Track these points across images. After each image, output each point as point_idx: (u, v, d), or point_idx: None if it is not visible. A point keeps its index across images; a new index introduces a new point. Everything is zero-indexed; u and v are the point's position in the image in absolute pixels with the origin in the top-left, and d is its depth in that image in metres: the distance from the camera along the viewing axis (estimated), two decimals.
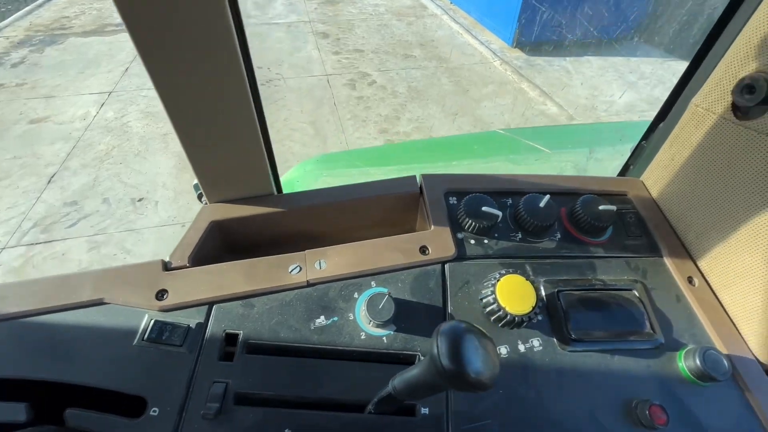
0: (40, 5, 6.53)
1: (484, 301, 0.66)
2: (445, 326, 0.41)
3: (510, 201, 0.82)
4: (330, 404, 0.60)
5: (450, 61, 5.56)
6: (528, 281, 0.65)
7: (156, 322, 0.62)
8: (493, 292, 0.65)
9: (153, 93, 0.61)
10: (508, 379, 0.64)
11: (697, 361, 0.64)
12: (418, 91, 4.84)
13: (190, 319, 0.64)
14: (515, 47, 5.72)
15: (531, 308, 0.63)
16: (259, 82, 0.68)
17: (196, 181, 0.83)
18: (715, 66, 0.72)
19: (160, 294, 0.66)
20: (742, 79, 0.65)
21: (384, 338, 0.65)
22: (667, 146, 0.82)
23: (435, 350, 0.39)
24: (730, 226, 0.71)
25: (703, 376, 0.64)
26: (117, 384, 0.58)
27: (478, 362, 0.38)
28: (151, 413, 0.57)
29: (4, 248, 2.76)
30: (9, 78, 4.56)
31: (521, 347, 0.67)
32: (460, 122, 4.32)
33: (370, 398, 0.56)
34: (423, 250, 0.74)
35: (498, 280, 0.66)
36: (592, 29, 5.52)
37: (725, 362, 0.64)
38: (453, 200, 0.81)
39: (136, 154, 3.60)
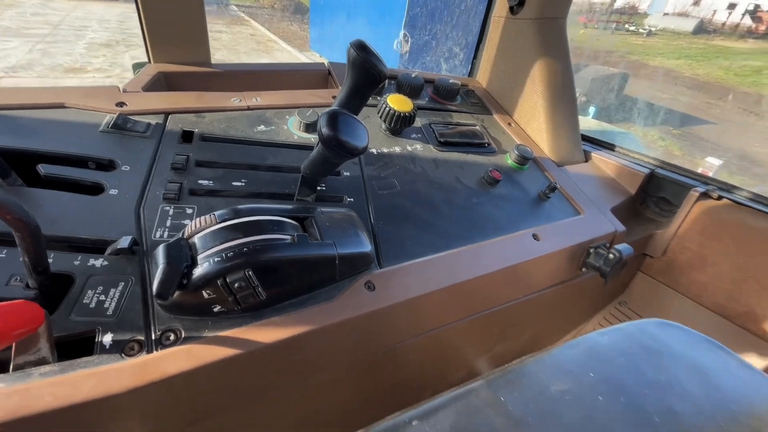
0: None
1: (381, 111, 0.94)
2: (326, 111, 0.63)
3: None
4: (275, 168, 0.78)
5: None
6: (406, 98, 0.96)
7: (120, 114, 0.74)
8: (386, 102, 0.93)
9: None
10: (402, 161, 0.91)
11: (516, 152, 1.01)
12: None
13: (150, 121, 0.78)
14: None
15: (411, 108, 0.93)
16: None
17: (134, 61, 0.98)
18: None
19: (120, 104, 0.78)
20: None
21: (312, 138, 0.87)
22: (484, 52, 1.26)
23: (319, 126, 0.60)
24: (521, 84, 1.14)
25: (519, 159, 1.01)
26: (86, 152, 0.68)
27: (349, 132, 0.63)
28: (123, 169, 0.68)
29: None
30: None
31: (409, 148, 0.95)
32: None
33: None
34: (335, 97, 1.00)
35: (389, 95, 0.95)
36: None
37: (530, 150, 1.02)
38: None
39: None
